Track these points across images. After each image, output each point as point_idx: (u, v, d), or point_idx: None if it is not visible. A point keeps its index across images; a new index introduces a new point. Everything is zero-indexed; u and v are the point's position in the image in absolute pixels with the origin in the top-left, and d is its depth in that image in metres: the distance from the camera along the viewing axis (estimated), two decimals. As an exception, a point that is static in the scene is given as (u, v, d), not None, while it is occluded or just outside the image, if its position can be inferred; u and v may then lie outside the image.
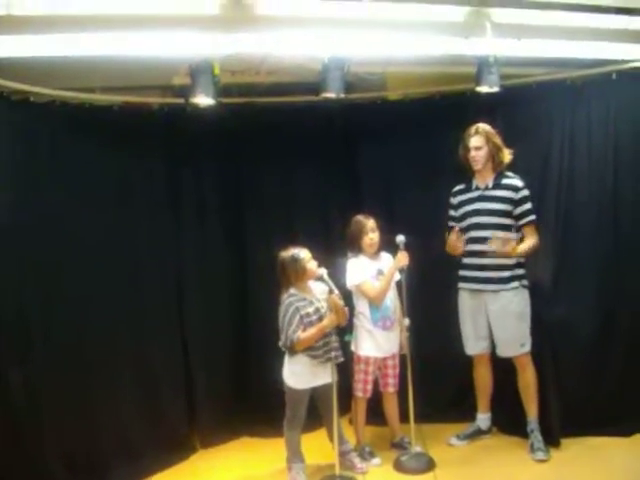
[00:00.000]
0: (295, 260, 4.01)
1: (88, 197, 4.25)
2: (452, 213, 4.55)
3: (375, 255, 4.38)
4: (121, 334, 4.39)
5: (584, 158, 4.56)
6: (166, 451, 4.53)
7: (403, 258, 4.21)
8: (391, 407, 4.50)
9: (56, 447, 3.90)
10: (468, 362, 4.61)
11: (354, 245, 4.36)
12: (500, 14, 3.93)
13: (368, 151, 5.12)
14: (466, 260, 4.41)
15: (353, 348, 4.39)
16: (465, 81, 4.59)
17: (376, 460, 4.33)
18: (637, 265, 4.45)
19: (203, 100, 4.03)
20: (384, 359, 4.39)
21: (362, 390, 4.38)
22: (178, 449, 4.63)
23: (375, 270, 4.35)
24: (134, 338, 4.49)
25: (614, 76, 4.46)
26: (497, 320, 4.31)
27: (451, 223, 4.55)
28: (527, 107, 4.68)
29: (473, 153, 4.28)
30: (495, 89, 4.25)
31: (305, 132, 4.92)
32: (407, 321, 4.24)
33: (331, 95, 4.14)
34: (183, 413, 4.77)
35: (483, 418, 4.60)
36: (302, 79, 4.73)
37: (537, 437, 4.23)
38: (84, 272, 4.21)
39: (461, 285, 4.48)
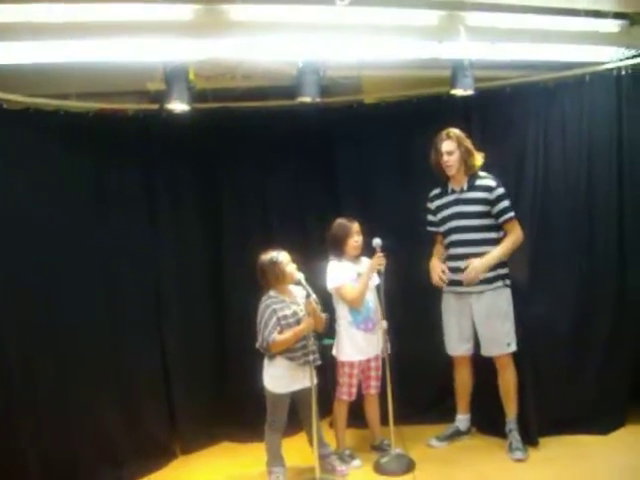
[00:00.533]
0: (274, 263, 4.01)
1: (64, 204, 4.23)
2: (431, 218, 4.54)
3: (356, 259, 4.39)
4: (99, 339, 4.36)
5: (559, 159, 4.61)
6: (146, 458, 4.50)
7: (379, 260, 4.23)
8: (372, 409, 4.50)
9: (35, 455, 3.86)
10: (448, 363, 4.62)
11: (337, 248, 4.35)
12: (474, 18, 3.97)
13: (345, 155, 5.12)
14: (450, 264, 4.39)
15: (335, 353, 4.40)
16: (441, 84, 4.61)
17: (356, 462, 4.34)
18: (613, 262, 4.50)
19: (178, 106, 4.04)
20: (367, 361, 4.39)
21: (347, 394, 4.37)
22: (158, 455, 4.61)
23: (355, 273, 4.35)
24: (112, 344, 4.45)
25: (587, 78, 4.52)
26: (482, 320, 4.31)
27: (430, 228, 4.56)
28: (502, 109, 4.71)
29: (446, 158, 4.27)
30: (470, 92, 4.32)
31: (281, 136, 4.92)
32: (385, 324, 4.27)
33: (307, 99, 4.15)
34: (163, 419, 4.75)
35: (462, 419, 4.62)
36: (278, 83, 4.73)
37: (515, 437, 4.25)
38: (60, 277, 4.18)
39: (445, 288, 4.46)
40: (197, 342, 4.93)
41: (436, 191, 4.50)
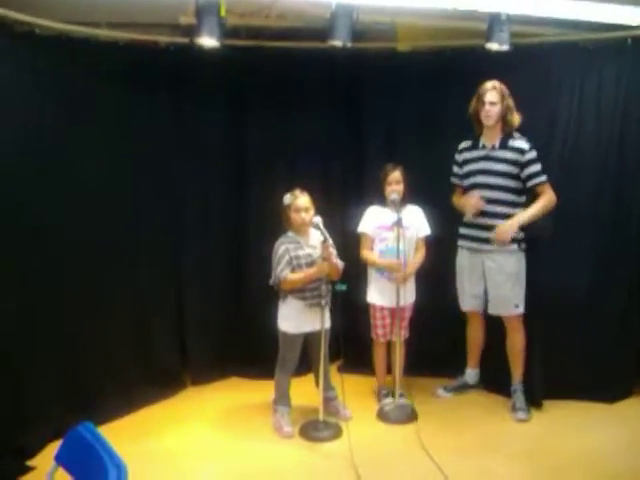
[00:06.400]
0: (283, 206, 4.09)
1: (91, 132, 4.24)
2: (456, 170, 4.52)
3: (399, 206, 4.30)
4: (114, 269, 4.41)
5: (591, 124, 4.48)
6: (157, 386, 4.64)
7: None
8: (395, 355, 4.48)
9: (47, 379, 3.97)
10: (461, 318, 4.65)
11: (380, 193, 4.38)
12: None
13: (373, 101, 5.02)
14: (468, 219, 4.40)
15: (368, 299, 4.47)
16: (476, 37, 4.47)
17: (388, 399, 4.43)
18: (634, 233, 4.46)
19: (208, 41, 4.00)
20: (391, 308, 4.40)
21: (375, 334, 4.48)
22: (169, 384, 4.75)
23: (391, 220, 4.31)
24: (129, 275, 4.52)
25: (629, 42, 4.36)
26: (492, 278, 4.34)
27: (453, 179, 4.54)
28: (536, 68, 4.54)
29: (488, 107, 4.19)
30: (505, 47, 4.20)
31: (311, 78, 4.86)
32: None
33: (338, 43, 4.09)
34: (175, 350, 4.88)
35: (471, 373, 4.74)
36: (312, 25, 4.66)
37: (519, 397, 4.31)
38: (82, 203, 4.20)
39: (461, 243, 4.50)
40: (213, 278, 5.01)
41: (466, 144, 4.45)
